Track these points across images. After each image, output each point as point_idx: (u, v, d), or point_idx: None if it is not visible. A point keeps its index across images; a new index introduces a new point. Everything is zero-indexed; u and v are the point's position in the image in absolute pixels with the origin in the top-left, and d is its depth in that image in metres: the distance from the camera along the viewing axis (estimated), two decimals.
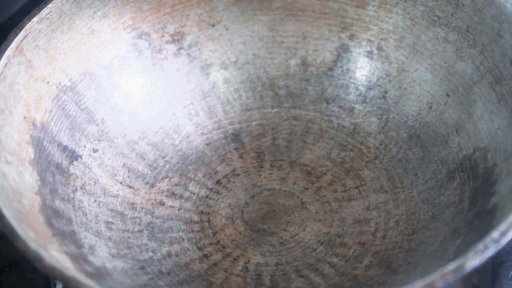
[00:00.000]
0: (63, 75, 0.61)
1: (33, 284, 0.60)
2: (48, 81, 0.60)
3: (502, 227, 0.45)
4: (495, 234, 0.45)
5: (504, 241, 0.44)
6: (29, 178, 0.54)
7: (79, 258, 0.53)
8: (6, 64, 0.56)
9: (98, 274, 0.53)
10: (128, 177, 0.62)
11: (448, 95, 0.62)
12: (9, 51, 0.57)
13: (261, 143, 0.66)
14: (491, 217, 0.50)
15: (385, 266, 0.56)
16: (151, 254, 0.58)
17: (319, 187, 0.62)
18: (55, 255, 0.49)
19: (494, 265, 0.58)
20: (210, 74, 0.67)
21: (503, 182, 0.53)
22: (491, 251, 0.43)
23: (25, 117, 0.57)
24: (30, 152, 0.56)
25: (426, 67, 0.63)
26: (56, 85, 0.60)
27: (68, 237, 0.54)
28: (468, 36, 0.61)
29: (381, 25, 0.65)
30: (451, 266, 0.43)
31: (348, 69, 0.66)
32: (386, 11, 0.65)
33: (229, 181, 0.63)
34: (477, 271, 0.57)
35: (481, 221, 0.51)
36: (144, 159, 0.64)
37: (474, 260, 0.43)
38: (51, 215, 0.54)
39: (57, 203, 0.56)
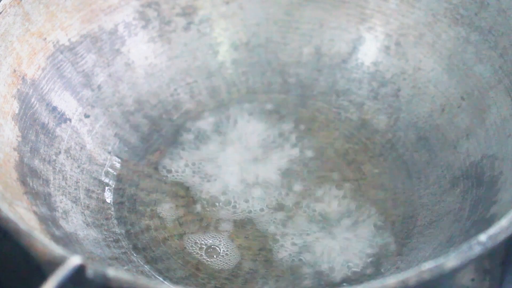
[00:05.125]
0: (62, 34, 0.59)
1: (27, 252, 0.58)
2: (45, 38, 0.58)
3: (491, 231, 0.42)
4: (482, 237, 0.41)
5: (490, 244, 0.40)
6: (9, 133, 0.52)
7: (48, 221, 0.50)
8: (0, 13, 0.54)
9: (66, 239, 0.51)
10: (118, 147, 0.60)
11: (462, 98, 0.58)
12: (5, 0, 0.55)
13: None
14: (488, 226, 0.46)
15: (374, 267, 0.53)
16: (129, 227, 0.56)
17: (318, 175, 0.59)
18: (21, 212, 0.47)
19: (508, 251, 0.55)
20: (218, 53, 0.65)
21: (507, 191, 0.50)
22: (475, 253, 0.40)
23: (15, 70, 0.55)
24: (15, 106, 0.54)
25: (443, 68, 0.60)
26: (53, 43, 0.58)
27: (41, 198, 0.52)
28: (489, 38, 0.57)
29: (402, 19, 0.62)
30: (429, 264, 0.40)
31: (362, 63, 0.63)
32: (409, 5, 0.62)
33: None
34: (490, 256, 0.55)
35: (478, 230, 0.48)
36: (138, 131, 0.61)
37: (455, 260, 0.40)
38: (27, 173, 0.52)
39: (36, 162, 0.54)
